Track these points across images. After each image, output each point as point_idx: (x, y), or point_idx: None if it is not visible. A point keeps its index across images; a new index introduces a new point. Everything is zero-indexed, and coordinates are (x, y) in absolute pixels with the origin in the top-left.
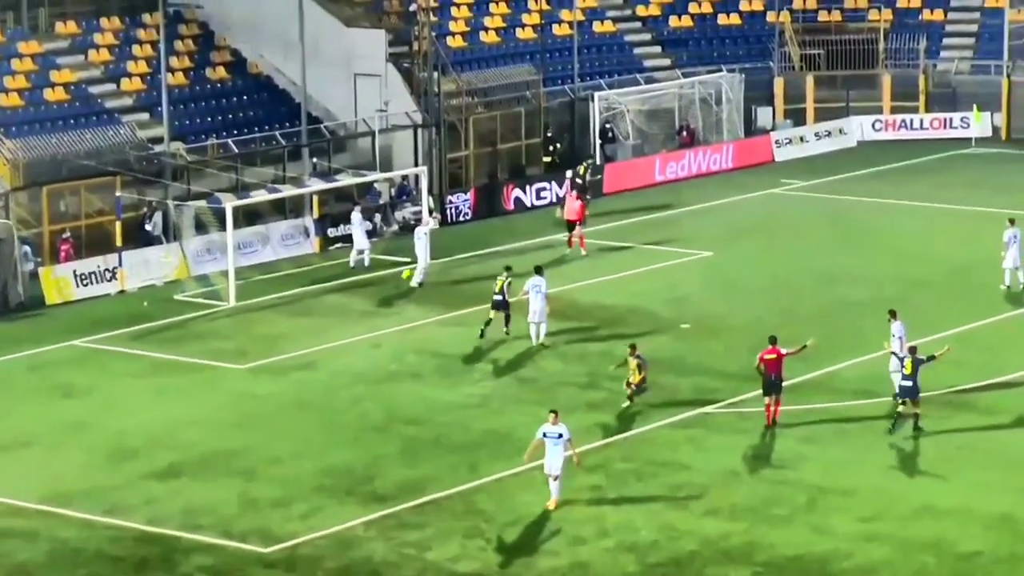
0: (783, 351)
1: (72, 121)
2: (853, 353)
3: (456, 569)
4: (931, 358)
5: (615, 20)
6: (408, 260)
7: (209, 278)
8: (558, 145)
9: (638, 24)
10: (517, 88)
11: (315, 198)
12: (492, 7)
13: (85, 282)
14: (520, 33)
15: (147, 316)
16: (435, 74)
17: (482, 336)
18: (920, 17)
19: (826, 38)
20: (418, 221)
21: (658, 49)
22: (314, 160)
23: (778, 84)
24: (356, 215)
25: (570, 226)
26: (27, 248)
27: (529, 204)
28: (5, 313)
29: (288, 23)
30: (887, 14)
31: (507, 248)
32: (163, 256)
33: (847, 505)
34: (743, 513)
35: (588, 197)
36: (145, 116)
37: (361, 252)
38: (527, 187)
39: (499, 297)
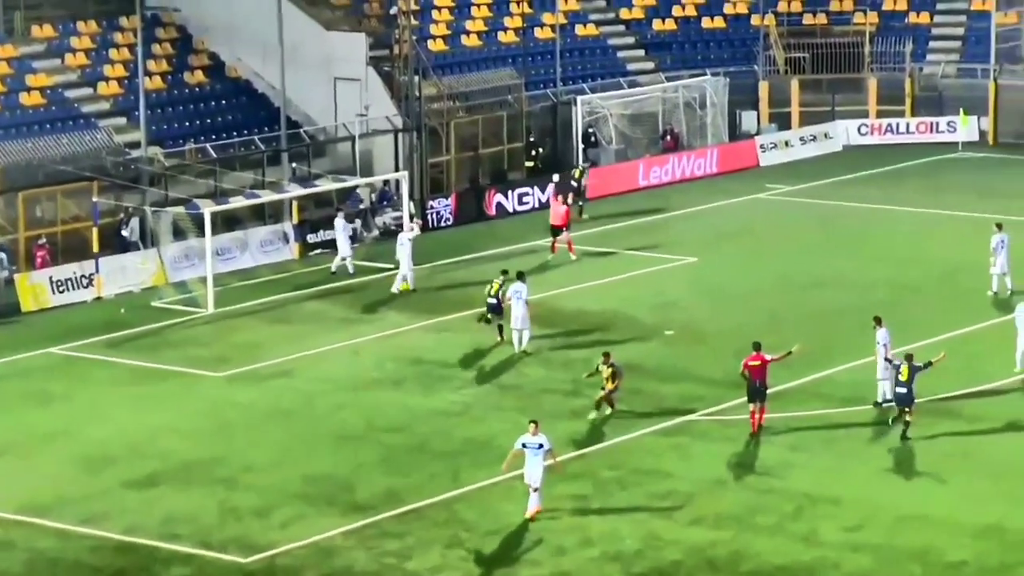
0: (768, 357)
1: (48, 126)
2: (839, 360)
3: None
4: (927, 365)
5: (598, 23)
6: (390, 266)
7: (187, 285)
8: (540, 150)
9: (621, 27)
10: (499, 92)
11: (295, 203)
12: (473, 10)
13: (61, 289)
14: (502, 36)
15: (124, 323)
16: (416, 78)
17: (501, 334)
18: (906, 20)
19: (811, 41)
20: (399, 227)
21: (641, 52)
22: (293, 165)
23: (763, 88)
24: (339, 221)
25: (554, 231)
26: (2, 255)
27: (511, 209)
28: None
29: (267, 26)
30: (873, 17)
31: (489, 254)
32: (140, 262)
33: (834, 513)
34: (729, 522)
35: (582, 203)
36: (122, 120)
37: (344, 259)
38: (509, 192)
39: (493, 301)
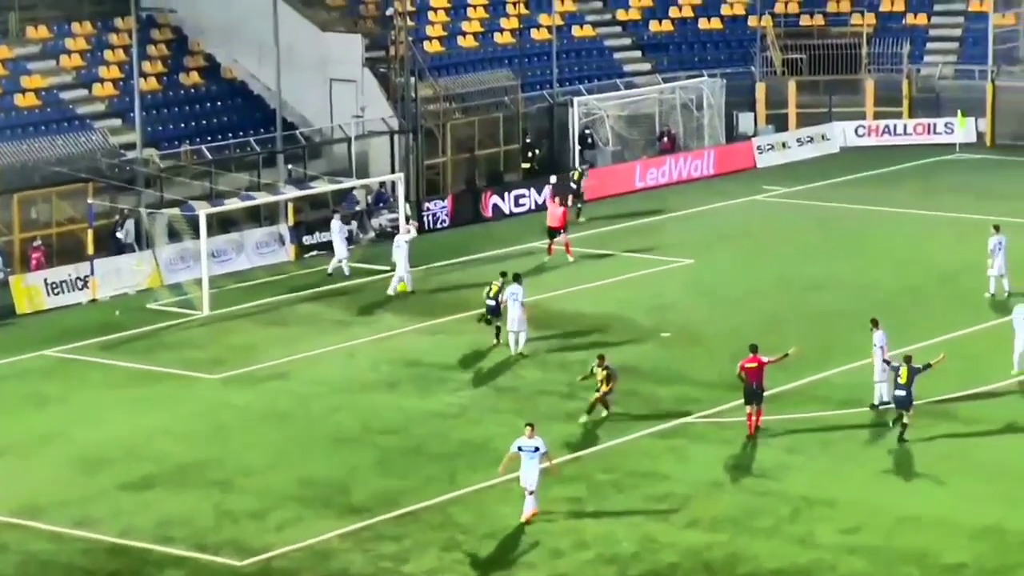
0: (765, 359)
1: (43, 127)
2: (836, 362)
3: None
4: (927, 366)
5: (595, 24)
6: (387, 268)
7: (182, 287)
8: (537, 151)
9: (618, 28)
10: (495, 93)
11: (290, 205)
12: (470, 11)
13: (56, 291)
14: (498, 38)
15: (119, 325)
16: (412, 79)
17: (497, 336)
18: (903, 21)
19: (808, 43)
20: (395, 228)
21: (638, 54)
22: (289, 167)
23: (760, 89)
24: (335, 223)
25: (551, 233)
26: None
27: (507, 211)
28: None
29: (263, 27)
30: (870, 18)
31: (485, 256)
32: (135, 264)
33: (831, 516)
34: (725, 524)
35: (580, 205)
36: (117, 122)
37: (340, 261)
38: (505, 194)
39: (492, 303)
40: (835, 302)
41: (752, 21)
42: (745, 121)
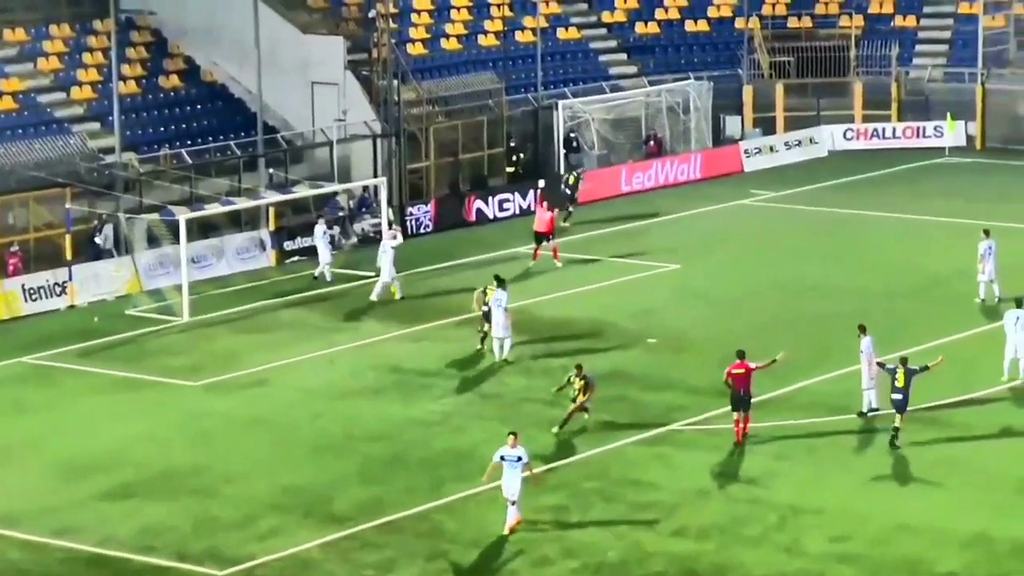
0: (752, 365)
1: (20, 131)
2: (825, 368)
3: None
4: (924, 368)
5: (580, 27)
6: (370, 274)
7: (162, 293)
8: (521, 155)
9: (603, 31)
10: (479, 97)
11: (271, 210)
12: (453, 13)
13: (34, 297)
14: (482, 40)
15: (98, 332)
16: (395, 82)
17: (482, 343)
18: (892, 24)
19: (796, 45)
20: (378, 233)
21: (624, 56)
22: (270, 171)
23: (747, 92)
24: (320, 227)
25: (538, 238)
26: None
27: (492, 216)
28: None
29: (243, 30)
30: (858, 20)
31: (470, 261)
32: (114, 270)
33: (819, 524)
34: (712, 533)
35: (571, 209)
36: (96, 126)
37: (325, 266)
38: (489, 198)
39: (485, 308)
40: (823, 308)
41: (739, 23)
42: (732, 124)
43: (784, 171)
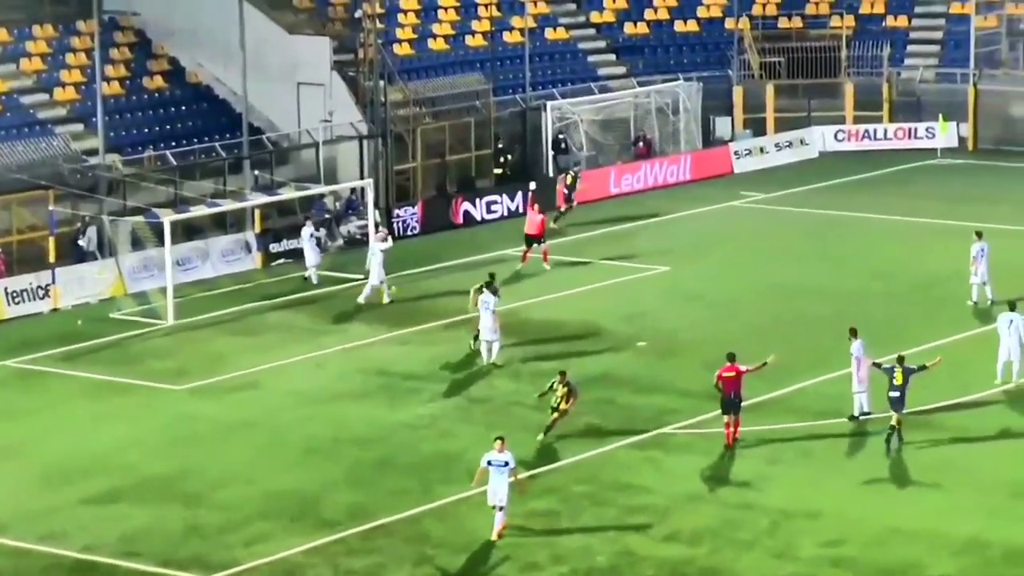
0: (742, 368)
1: (3, 132)
2: (816, 371)
3: None
4: (922, 368)
5: (568, 27)
6: (357, 277)
7: (146, 295)
8: (509, 156)
9: (592, 31)
10: (467, 97)
11: (257, 212)
12: (440, 14)
13: (17, 300)
14: (470, 40)
15: (82, 335)
16: (381, 83)
17: (475, 340)
18: (883, 24)
19: (787, 45)
20: (364, 236)
21: (613, 57)
22: (256, 173)
23: (737, 93)
24: (307, 230)
25: (529, 240)
26: None
27: (479, 218)
28: None
29: (228, 30)
30: (849, 21)
31: (457, 263)
32: (98, 273)
33: (811, 528)
34: (704, 537)
35: (563, 210)
36: (79, 127)
37: (312, 268)
38: (477, 200)
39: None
40: (814, 310)
41: (729, 23)
42: (722, 125)
43: (774, 172)
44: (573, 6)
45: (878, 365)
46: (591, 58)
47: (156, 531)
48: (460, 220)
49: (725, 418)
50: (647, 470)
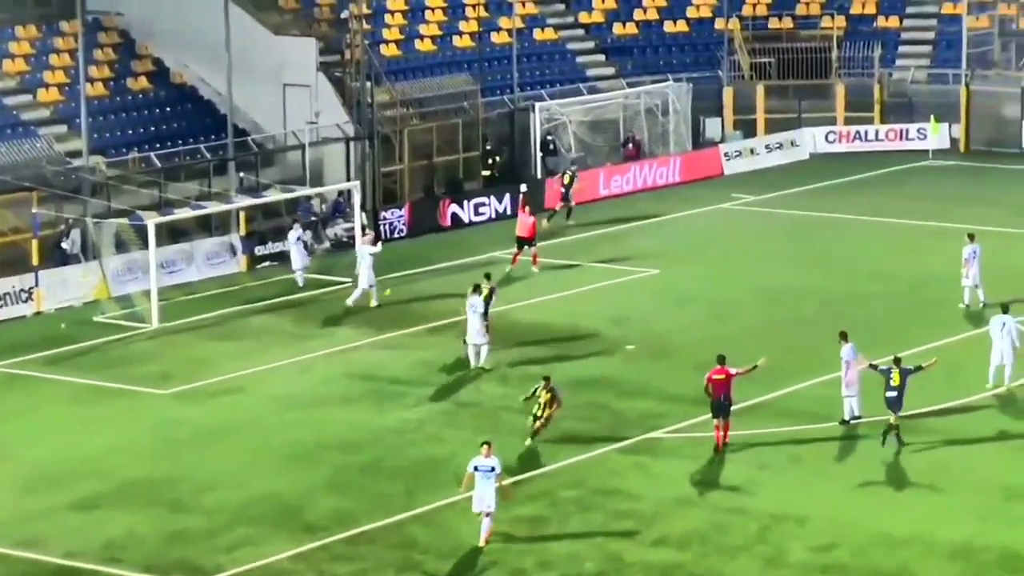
0: (732, 371)
1: None
2: (807, 374)
3: None
4: (918, 368)
5: (556, 27)
6: (343, 280)
7: (130, 299)
8: (497, 158)
9: (581, 31)
10: (454, 99)
11: (242, 215)
12: (428, 14)
13: None
14: (457, 41)
15: (65, 339)
16: (368, 84)
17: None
18: (875, 24)
19: (777, 46)
20: (351, 238)
21: (602, 58)
22: (241, 175)
23: (727, 94)
24: (294, 232)
25: (520, 243)
26: None
27: (467, 220)
28: None
29: (213, 31)
30: (840, 21)
31: (445, 266)
32: (81, 275)
33: (801, 533)
34: (693, 542)
35: (557, 209)
36: (63, 128)
37: (299, 270)
38: (465, 202)
39: (482, 310)
40: (805, 312)
41: (719, 24)
42: (712, 127)
43: (765, 174)
44: (561, 6)
45: (874, 367)
46: (580, 59)
47: (138, 536)
48: (448, 222)
49: (715, 422)
50: (635, 475)
